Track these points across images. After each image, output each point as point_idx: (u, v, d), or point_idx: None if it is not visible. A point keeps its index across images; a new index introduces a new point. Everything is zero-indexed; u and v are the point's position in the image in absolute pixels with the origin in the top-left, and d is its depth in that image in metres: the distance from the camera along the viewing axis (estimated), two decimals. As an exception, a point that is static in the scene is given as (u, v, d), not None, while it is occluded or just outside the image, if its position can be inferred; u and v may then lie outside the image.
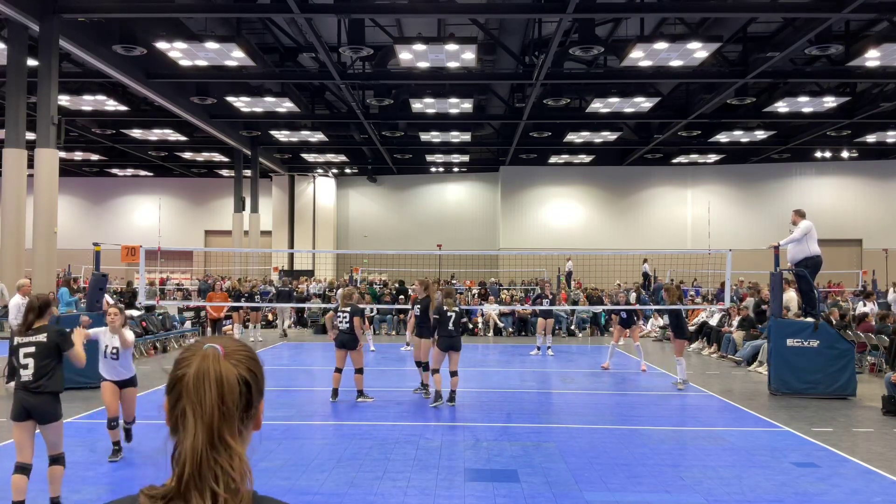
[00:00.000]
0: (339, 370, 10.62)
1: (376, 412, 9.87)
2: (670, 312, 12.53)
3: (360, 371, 10.72)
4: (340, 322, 10.70)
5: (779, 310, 11.91)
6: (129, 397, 7.34)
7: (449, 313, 10.01)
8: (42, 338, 5.50)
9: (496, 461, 7.26)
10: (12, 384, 11.48)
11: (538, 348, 16.84)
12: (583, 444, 7.99)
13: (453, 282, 27.17)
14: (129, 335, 7.23)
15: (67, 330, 5.88)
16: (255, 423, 1.42)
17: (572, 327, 21.96)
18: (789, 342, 11.34)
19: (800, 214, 12.09)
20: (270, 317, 23.91)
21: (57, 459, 5.60)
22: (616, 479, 6.67)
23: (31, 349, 5.43)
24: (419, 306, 11.10)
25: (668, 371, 13.58)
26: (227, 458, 1.31)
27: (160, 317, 17.91)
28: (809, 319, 11.53)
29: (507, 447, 7.83)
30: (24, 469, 5.43)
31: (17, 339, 5.57)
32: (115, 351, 7.19)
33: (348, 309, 10.63)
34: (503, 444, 7.99)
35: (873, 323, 14.76)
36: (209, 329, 18.30)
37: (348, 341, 10.53)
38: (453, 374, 10.06)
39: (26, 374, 5.43)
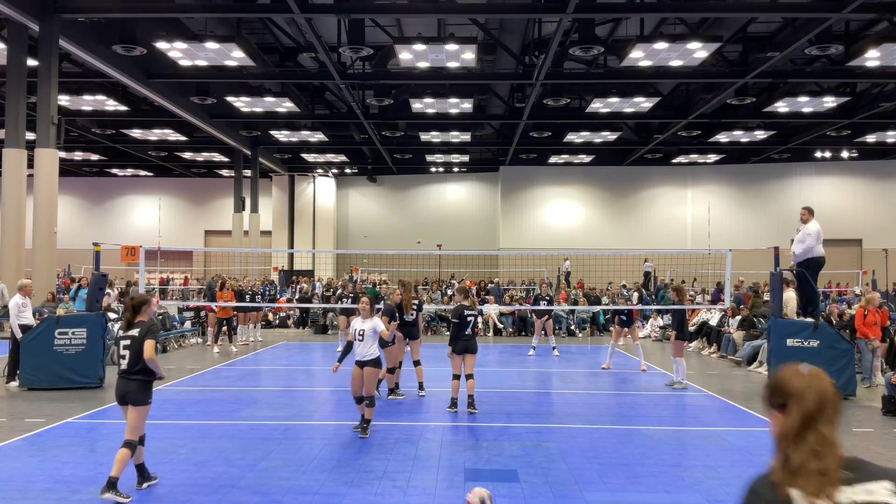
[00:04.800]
0: (390, 370, 10.67)
1: (376, 412, 9.84)
2: (675, 312, 12.51)
3: (390, 371, 10.78)
4: None
5: (779, 310, 11.90)
6: (367, 375, 8.23)
7: (468, 318, 9.75)
8: (135, 332, 6.28)
9: (496, 461, 7.25)
10: (13, 384, 11.60)
11: (533, 348, 16.84)
12: (583, 444, 7.99)
13: (455, 281, 27.15)
14: (379, 322, 8.28)
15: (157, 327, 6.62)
16: None
17: (572, 327, 21.96)
18: (789, 342, 11.34)
19: (810, 212, 11.91)
20: (270, 317, 23.93)
21: (128, 444, 6.09)
22: (616, 479, 6.67)
23: (128, 342, 6.28)
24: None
25: (668, 371, 13.58)
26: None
27: (160, 317, 17.90)
28: (809, 319, 11.52)
29: (507, 447, 7.83)
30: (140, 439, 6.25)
31: (119, 333, 6.46)
32: (361, 333, 8.21)
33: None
34: (503, 444, 7.99)
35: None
36: (213, 329, 17.84)
37: (384, 341, 10.48)
38: (469, 376, 9.78)
39: (123, 364, 6.26)
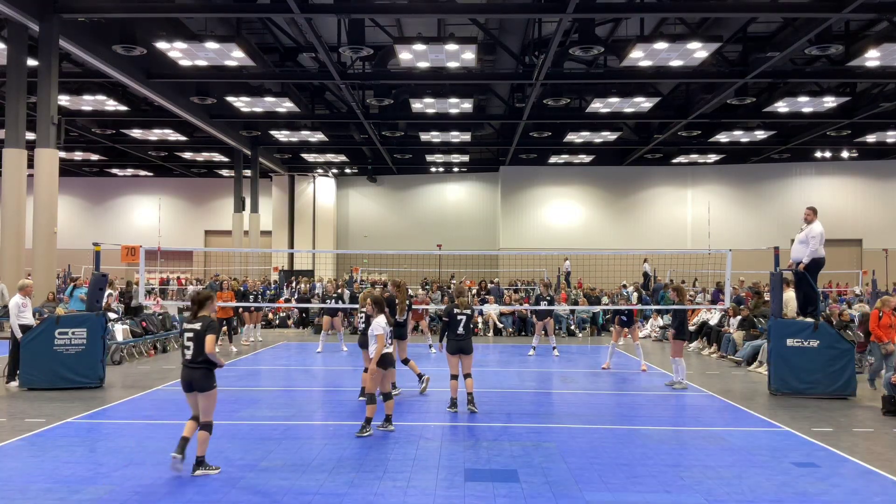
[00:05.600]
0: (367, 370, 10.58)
1: (375, 413, 9.84)
2: (675, 312, 12.51)
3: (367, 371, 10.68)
4: (360, 322, 10.71)
5: (779, 310, 11.90)
6: (367, 373, 8.69)
7: (459, 317, 9.68)
8: (198, 325, 6.79)
9: (496, 461, 7.25)
10: (13, 384, 11.60)
11: (533, 348, 16.83)
12: (583, 444, 7.99)
13: (455, 281, 27.12)
14: (378, 322, 8.43)
15: (216, 322, 7.19)
16: None
17: (572, 327, 21.96)
18: (789, 342, 11.33)
19: (814, 212, 11.78)
20: (270, 316, 23.92)
21: (205, 426, 6.75)
22: (616, 479, 6.67)
23: (191, 334, 6.78)
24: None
25: (668, 371, 13.58)
26: None
27: (160, 317, 17.91)
28: (809, 319, 11.51)
29: (507, 447, 7.83)
30: (196, 417, 6.79)
31: (184, 325, 6.96)
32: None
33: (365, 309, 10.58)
34: (503, 444, 7.99)
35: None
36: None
37: (366, 342, 10.42)
38: (467, 376, 9.78)
39: (188, 353, 6.78)
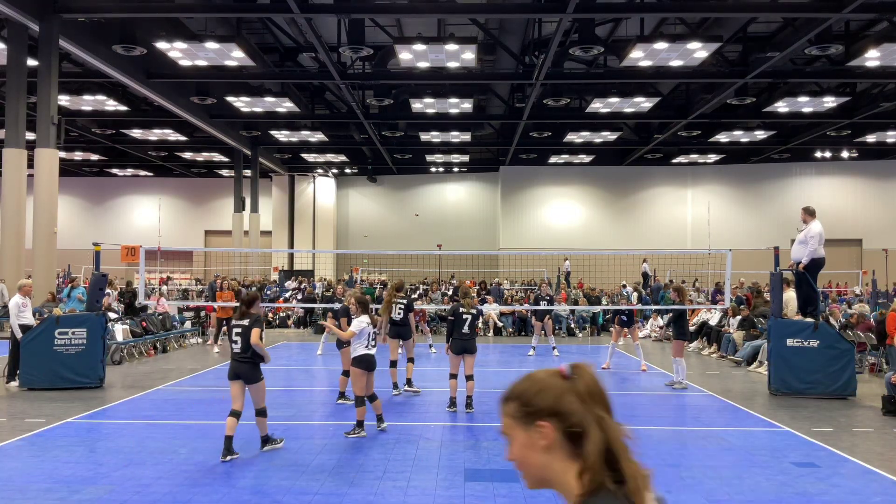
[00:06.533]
0: (345, 373, 10.42)
1: (370, 412, 9.84)
2: (675, 312, 12.51)
3: (344, 374, 10.34)
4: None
5: (779, 310, 11.90)
6: (351, 374, 8.78)
7: (465, 315, 9.70)
8: (245, 322, 7.46)
9: (496, 461, 7.25)
10: (13, 384, 11.59)
11: (533, 348, 16.84)
12: (583, 444, 7.97)
13: (455, 281, 27.12)
14: (357, 321, 8.40)
15: (262, 319, 7.72)
16: None
17: (572, 327, 21.96)
18: (789, 342, 11.33)
19: (810, 213, 11.65)
20: (270, 316, 23.92)
21: (260, 412, 7.59)
22: (616, 479, 6.66)
23: (239, 330, 7.43)
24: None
25: (668, 371, 13.58)
26: None
27: (160, 317, 17.91)
28: (809, 319, 11.51)
29: (507, 447, 7.82)
30: (235, 414, 7.38)
31: (233, 322, 7.63)
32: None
33: None
34: (503, 444, 7.98)
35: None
36: (213, 329, 17.87)
37: (340, 342, 10.37)
38: (469, 377, 9.75)
39: (236, 348, 7.45)
